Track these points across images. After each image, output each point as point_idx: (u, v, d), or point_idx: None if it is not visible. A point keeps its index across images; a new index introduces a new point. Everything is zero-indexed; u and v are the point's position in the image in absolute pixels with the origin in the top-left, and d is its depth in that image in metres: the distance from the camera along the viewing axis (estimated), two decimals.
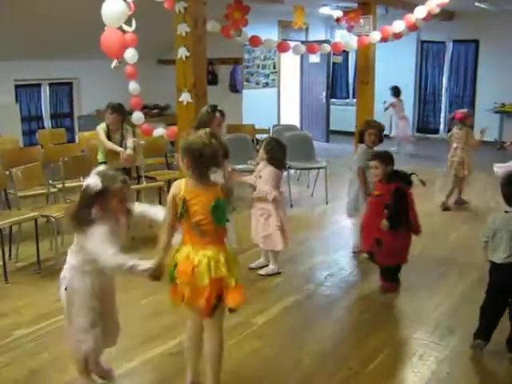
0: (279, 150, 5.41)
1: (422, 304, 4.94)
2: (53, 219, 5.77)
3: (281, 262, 5.71)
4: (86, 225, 3.09)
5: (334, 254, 6.17)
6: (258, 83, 12.71)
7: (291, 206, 7.93)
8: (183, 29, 6.27)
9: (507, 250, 3.85)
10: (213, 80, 12.15)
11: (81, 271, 3.25)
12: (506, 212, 3.93)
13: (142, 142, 7.57)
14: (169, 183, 7.57)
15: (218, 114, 5.52)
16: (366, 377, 3.85)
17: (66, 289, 3.27)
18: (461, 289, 5.25)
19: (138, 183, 7.27)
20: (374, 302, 5.01)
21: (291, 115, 14.02)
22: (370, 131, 5.83)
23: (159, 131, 7.62)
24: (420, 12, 8.55)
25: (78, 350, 3.38)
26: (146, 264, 3.16)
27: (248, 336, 4.36)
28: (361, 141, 5.97)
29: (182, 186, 3.19)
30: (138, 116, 7.36)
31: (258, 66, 12.68)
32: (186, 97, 6.38)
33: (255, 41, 8.05)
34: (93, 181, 3.08)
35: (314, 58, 13.21)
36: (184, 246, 3.25)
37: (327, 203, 8.12)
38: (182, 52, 6.31)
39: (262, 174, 5.44)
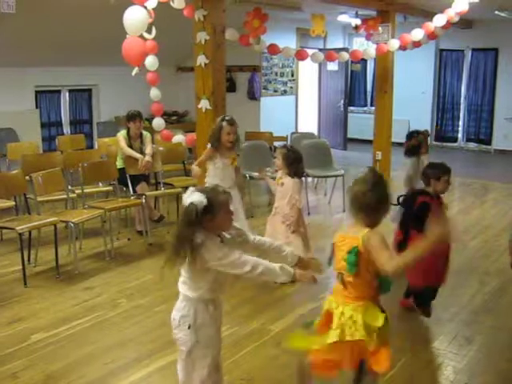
0: (299, 162, 5.49)
1: (439, 313, 4.90)
2: (72, 225, 5.82)
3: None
4: (191, 246, 2.83)
5: None
6: (276, 91, 12.73)
7: (308, 213, 7.91)
8: (202, 36, 6.32)
9: None
10: (231, 87, 12.19)
11: (202, 301, 3.01)
12: None
13: (161, 148, 7.63)
14: (186, 189, 7.60)
15: (224, 124, 5.55)
16: None
17: (189, 327, 3.00)
18: (480, 298, 5.21)
19: (157, 189, 7.32)
20: (391, 311, 4.97)
21: (309, 123, 14.03)
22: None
23: (178, 138, 7.66)
24: (439, 20, 8.53)
25: None
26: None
27: (265, 343, 4.35)
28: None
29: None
30: (158, 122, 7.43)
31: (276, 74, 12.70)
32: (204, 104, 6.42)
33: (273, 49, 8.08)
34: (196, 197, 2.84)
35: (332, 66, 13.22)
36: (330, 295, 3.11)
37: (344, 211, 8.10)
38: (201, 59, 6.35)
39: (284, 182, 5.49)
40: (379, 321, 2.95)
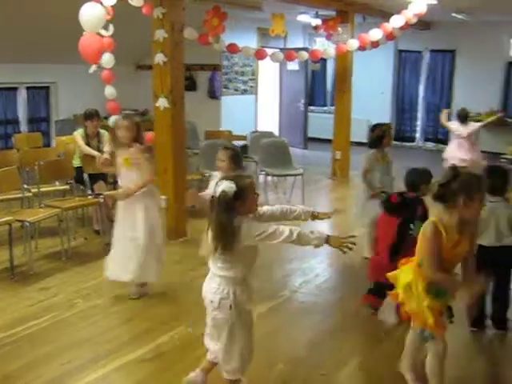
0: (242, 161, 5.12)
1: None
2: (27, 224, 5.73)
3: (255, 269, 5.72)
4: (232, 230, 3.12)
5: (310, 261, 6.18)
6: (236, 90, 12.73)
7: None
8: (161, 34, 6.28)
9: (495, 234, 4.26)
10: (191, 86, 12.15)
11: (239, 282, 3.30)
12: (491, 202, 4.24)
13: None
14: None
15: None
16: (338, 382, 3.88)
17: (230, 307, 3.27)
18: None
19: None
20: (348, 309, 5.03)
21: (270, 122, 14.07)
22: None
23: None
24: (397, 21, 8.62)
25: (240, 370, 3.43)
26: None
27: None
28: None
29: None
30: (115, 120, 7.32)
31: (237, 73, 12.71)
32: (162, 102, 6.38)
33: (233, 48, 8.07)
34: (226, 186, 3.13)
35: (293, 66, 13.27)
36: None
37: None
38: (160, 58, 6.32)
39: None
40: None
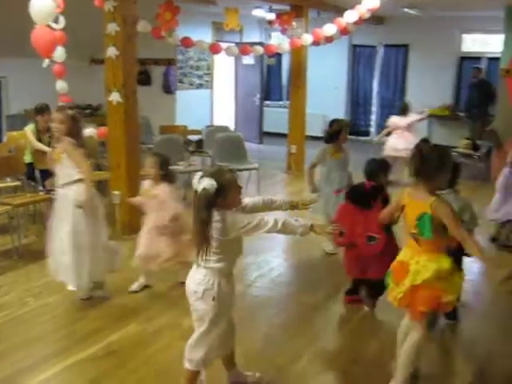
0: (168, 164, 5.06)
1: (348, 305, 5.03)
2: None
3: None
4: (211, 226, 3.17)
5: (265, 255, 6.19)
6: (191, 84, 12.66)
7: None
8: (113, 28, 6.20)
9: None
10: (146, 80, 12.04)
11: (224, 274, 3.34)
12: (442, 194, 4.21)
13: None
14: (98, 185, 7.46)
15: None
16: (293, 374, 3.91)
17: (213, 299, 3.29)
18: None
19: None
20: (303, 303, 5.06)
21: (226, 116, 14.05)
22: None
23: (89, 131, 7.46)
24: (350, 16, 8.68)
25: (204, 361, 3.42)
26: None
27: (177, 337, 4.33)
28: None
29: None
30: None
31: (192, 67, 12.63)
32: (115, 96, 6.31)
33: (187, 42, 8.01)
34: (206, 183, 3.11)
35: (248, 60, 13.26)
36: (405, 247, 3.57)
37: None
38: (112, 51, 6.24)
39: (158, 193, 4.94)
40: (447, 265, 3.37)
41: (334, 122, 6.19)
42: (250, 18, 12.63)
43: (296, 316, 4.84)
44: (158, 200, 4.92)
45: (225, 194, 3.16)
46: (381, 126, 14.46)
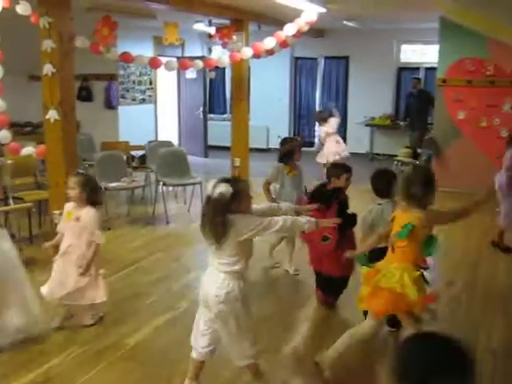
0: (98, 189, 4.79)
1: (293, 314, 5.04)
2: None
3: (154, 281, 5.71)
4: (226, 228, 3.34)
5: None
6: (134, 99, 12.58)
7: (167, 222, 7.88)
8: (48, 44, 6.10)
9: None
10: (87, 96, 11.92)
11: (241, 275, 3.50)
12: (379, 204, 4.47)
13: (10, 161, 7.28)
14: (39, 204, 7.33)
15: None
16: None
17: (236, 299, 3.46)
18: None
19: (6, 205, 6.97)
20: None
21: (170, 131, 14.00)
22: None
23: (28, 150, 7.33)
24: (289, 29, 8.75)
25: (254, 354, 3.64)
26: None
27: (120, 358, 4.27)
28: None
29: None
30: (3, 135, 7.04)
31: (134, 82, 12.56)
32: (52, 114, 6.21)
33: (126, 57, 7.94)
34: (223, 188, 3.30)
35: (191, 74, 13.23)
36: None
37: None
38: (48, 68, 6.13)
39: (80, 216, 4.58)
40: (416, 274, 3.67)
41: (285, 141, 6.22)
42: (191, 32, 12.64)
43: None
44: (78, 225, 4.56)
45: (239, 200, 3.37)
46: None
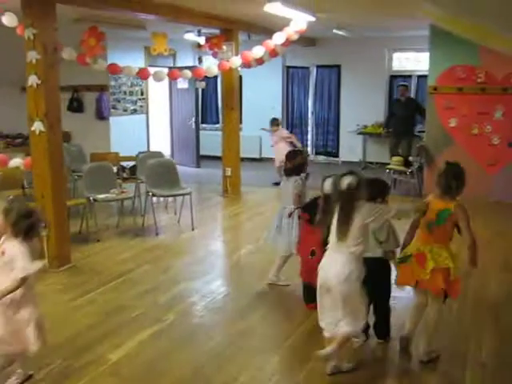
0: (29, 217, 3.82)
1: (280, 328, 4.98)
2: None
3: (141, 293, 5.66)
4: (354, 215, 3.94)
5: (198, 281, 6.11)
6: (125, 110, 12.52)
7: (157, 234, 7.82)
8: (33, 56, 6.04)
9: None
10: (78, 107, 11.90)
11: (360, 256, 3.99)
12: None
13: None
14: None
15: None
16: None
17: (357, 279, 3.94)
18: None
19: None
20: (235, 329, 4.98)
21: (162, 141, 13.95)
22: None
23: (15, 162, 7.27)
24: (278, 38, 8.72)
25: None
26: None
27: (102, 373, 4.20)
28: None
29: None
30: None
31: (126, 93, 12.51)
32: (38, 126, 6.14)
33: (113, 68, 7.90)
34: (349, 180, 3.90)
35: (182, 84, 13.21)
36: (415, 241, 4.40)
37: (193, 229, 8.05)
38: (33, 80, 6.07)
39: (5, 249, 3.80)
40: (452, 251, 4.30)
41: (295, 153, 6.09)
42: (183, 43, 12.62)
43: (226, 342, 4.74)
44: (3, 259, 3.79)
45: (361, 190, 3.93)
46: (317, 145, 14.66)
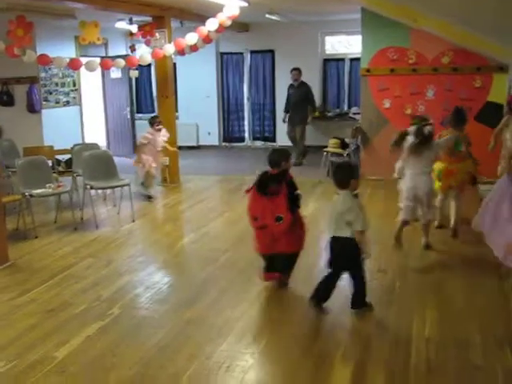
0: None
1: (228, 314, 4.97)
2: None
3: (84, 288, 5.56)
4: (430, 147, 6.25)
5: (141, 273, 6.04)
6: (58, 102, 12.22)
7: (97, 227, 7.68)
8: None
9: (332, 224, 4.79)
10: (9, 101, 11.60)
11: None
12: (337, 194, 4.82)
13: None
14: None
15: None
16: None
17: (432, 186, 6.42)
18: (265, 295, 5.37)
19: None
20: (182, 318, 4.95)
21: (97, 133, 13.70)
22: None
23: None
24: (211, 24, 8.67)
25: None
26: None
27: (49, 372, 4.09)
28: None
29: None
30: None
31: (57, 84, 12.20)
32: None
33: (43, 59, 7.68)
34: (428, 129, 6.09)
35: (116, 74, 12.99)
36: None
37: (134, 221, 7.95)
38: None
39: None
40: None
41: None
42: (115, 31, 12.40)
43: (175, 333, 4.70)
44: None
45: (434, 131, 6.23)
46: (254, 131, 14.68)
